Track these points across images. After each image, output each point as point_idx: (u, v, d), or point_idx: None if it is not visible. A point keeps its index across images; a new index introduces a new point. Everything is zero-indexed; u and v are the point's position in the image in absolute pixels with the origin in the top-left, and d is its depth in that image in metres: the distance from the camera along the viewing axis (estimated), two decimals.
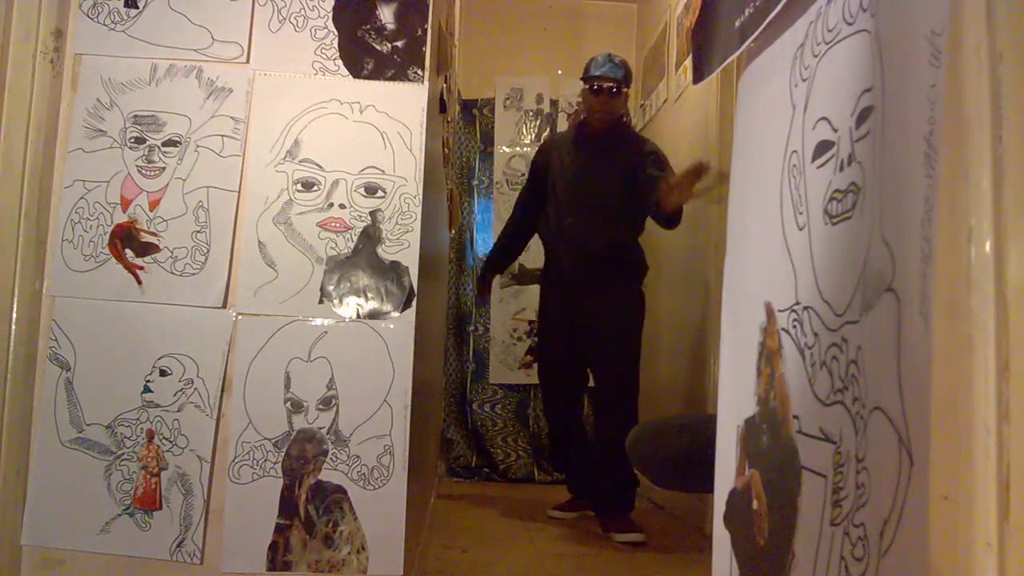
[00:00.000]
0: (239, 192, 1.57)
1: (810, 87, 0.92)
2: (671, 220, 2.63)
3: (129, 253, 1.55)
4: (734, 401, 1.09)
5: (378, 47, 1.61)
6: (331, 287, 1.55)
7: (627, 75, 2.87)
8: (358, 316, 1.55)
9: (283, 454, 1.51)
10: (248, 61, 1.60)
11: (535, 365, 3.32)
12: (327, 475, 1.51)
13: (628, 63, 2.91)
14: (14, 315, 1.49)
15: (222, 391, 1.52)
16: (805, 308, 0.89)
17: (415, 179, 1.58)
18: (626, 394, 2.82)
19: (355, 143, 1.58)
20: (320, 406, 1.52)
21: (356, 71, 1.60)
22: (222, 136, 1.57)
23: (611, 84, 2.81)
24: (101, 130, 1.57)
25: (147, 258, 1.55)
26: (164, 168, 1.57)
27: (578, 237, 2.82)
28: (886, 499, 0.66)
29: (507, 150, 4.08)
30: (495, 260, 3.24)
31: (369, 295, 1.55)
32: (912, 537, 0.63)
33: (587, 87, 2.87)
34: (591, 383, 3.01)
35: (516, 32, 4.17)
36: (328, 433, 1.52)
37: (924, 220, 0.64)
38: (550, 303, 2.99)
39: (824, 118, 0.88)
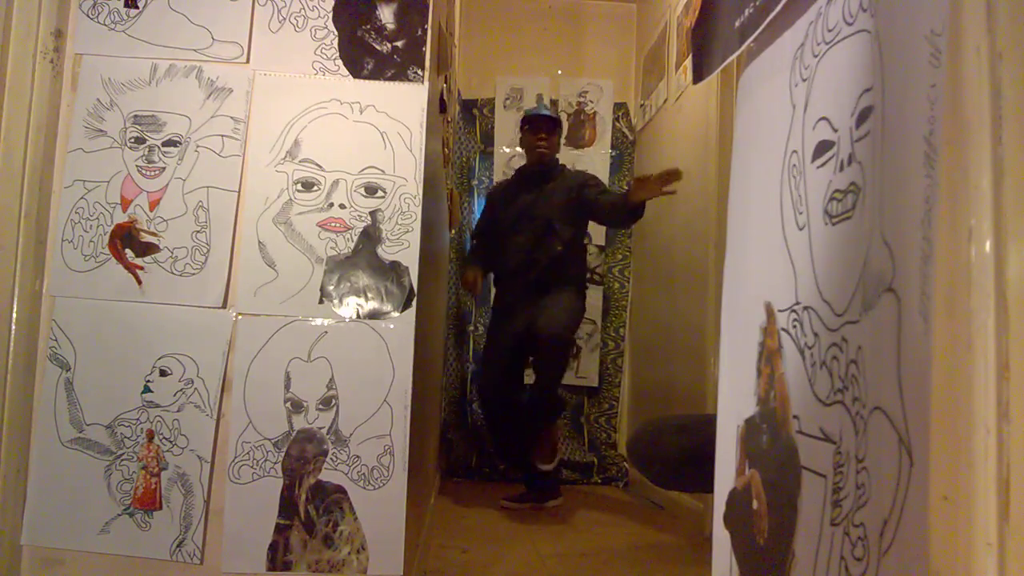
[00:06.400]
0: (239, 192, 1.57)
1: (810, 87, 0.92)
2: (633, 213, 2.94)
3: (129, 253, 1.55)
4: (734, 401, 1.09)
5: (378, 47, 1.61)
6: (331, 287, 1.55)
7: (557, 118, 3.35)
8: (358, 316, 1.55)
9: (283, 454, 1.51)
10: (248, 61, 1.60)
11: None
12: (327, 475, 1.51)
13: (559, 114, 3.56)
14: (14, 315, 1.49)
15: (222, 391, 1.52)
16: (805, 308, 0.89)
17: (415, 179, 1.58)
18: (559, 350, 3.10)
19: (355, 143, 1.58)
20: (320, 406, 1.52)
21: (356, 71, 1.60)
22: (222, 136, 1.57)
23: (546, 121, 3.26)
24: (101, 130, 1.57)
25: (147, 258, 1.55)
26: (164, 168, 1.57)
27: (523, 256, 3.21)
28: (886, 499, 0.66)
29: (507, 150, 4.07)
30: (479, 254, 3.47)
31: (369, 295, 1.55)
32: (912, 537, 0.63)
33: (525, 129, 3.32)
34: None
35: (516, 32, 4.17)
36: (328, 433, 1.52)
37: (924, 220, 0.64)
38: (497, 322, 3.35)
39: (824, 118, 0.88)
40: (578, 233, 3.30)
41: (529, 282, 3.20)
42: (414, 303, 1.56)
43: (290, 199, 1.57)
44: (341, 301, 1.55)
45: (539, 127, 3.26)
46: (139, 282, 1.55)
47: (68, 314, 1.54)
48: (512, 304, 3.25)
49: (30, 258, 1.51)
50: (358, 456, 1.51)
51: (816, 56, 0.91)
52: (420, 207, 1.58)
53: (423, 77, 1.61)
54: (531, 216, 3.21)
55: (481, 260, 3.42)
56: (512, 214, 3.27)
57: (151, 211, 1.56)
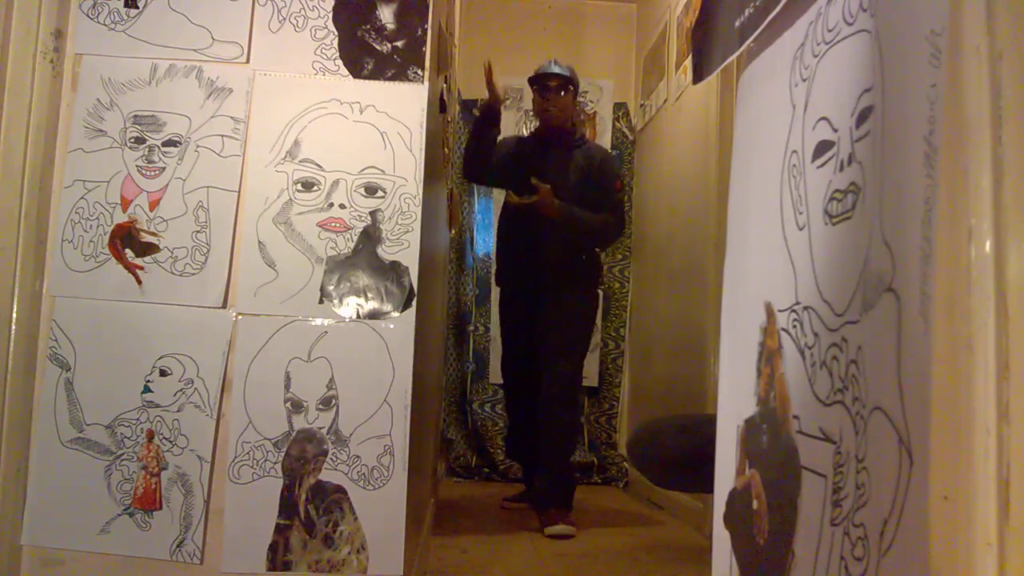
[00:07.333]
0: (239, 192, 1.57)
1: (810, 87, 0.92)
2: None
3: (129, 253, 1.55)
4: (734, 401, 1.09)
5: (378, 47, 1.61)
6: (331, 287, 1.55)
7: (572, 75, 2.95)
8: (358, 316, 1.55)
9: (283, 454, 1.51)
10: (248, 61, 1.60)
11: None
12: (327, 475, 1.51)
13: (574, 68, 3.00)
14: (14, 315, 1.49)
15: (222, 391, 1.52)
16: (805, 308, 0.89)
17: (415, 179, 1.58)
18: (565, 392, 2.86)
19: (355, 143, 1.58)
20: (320, 406, 1.52)
21: (356, 71, 1.60)
22: (222, 136, 1.57)
23: (556, 82, 2.90)
24: (101, 130, 1.57)
25: (147, 258, 1.55)
26: (164, 168, 1.57)
27: (532, 242, 2.88)
28: (886, 499, 0.66)
29: None
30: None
31: (369, 295, 1.55)
32: (912, 537, 0.63)
33: (534, 89, 2.97)
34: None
35: (516, 32, 4.16)
36: (328, 433, 1.52)
37: (924, 220, 0.64)
38: (506, 303, 3.07)
39: (824, 118, 0.88)
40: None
41: (538, 267, 2.84)
42: (414, 303, 1.56)
43: (290, 199, 1.57)
44: (341, 301, 1.55)
45: (546, 87, 2.92)
46: (139, 282, 1.55)
47: (68, 314, 1.54)
48: (518, 303, 2.95)
49: (30, 258, 1.51)
50: (358, 456, 1.51)
51: (816, 56, 0.91)
52: (420, 207, 1.58)
53: (423, 77, 1.61)
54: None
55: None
56: (524, 179, 2.84)
57: (151, 211, 1.56)
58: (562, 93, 2.92)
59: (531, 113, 4.04)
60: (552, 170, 2.85)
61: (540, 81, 2.95)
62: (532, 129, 3.15)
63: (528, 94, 4.07)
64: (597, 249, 3.08)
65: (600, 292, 3.15)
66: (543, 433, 2.84)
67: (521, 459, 3.19)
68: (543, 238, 2.85)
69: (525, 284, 2.93)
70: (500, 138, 3.05)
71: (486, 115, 2.91)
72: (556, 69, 2.93)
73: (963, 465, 0.62)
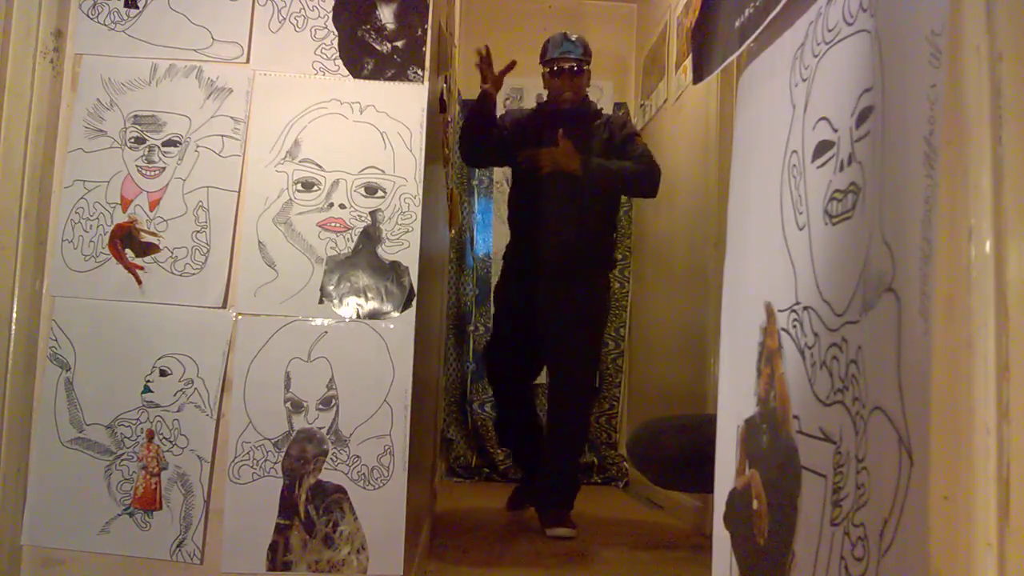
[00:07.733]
0: (239, 192, 1.57)
1: (810, 87, 0.92)
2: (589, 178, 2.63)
3: (129, 253, 1.55)
4: (734, 401, 1.09)
5: (378, 47, 1.61)
6: (331, 287, 1.55)
7: (586, 51, 2.81)
8: (358, 316, 1.55)
9: (283, 454, 1.51)
10: (248, 61, 1.60)
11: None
12: (327, 475, 1.51)
13: (586, 40, 2.84)
14: (14, 315, 1.49)
15: (222, 391, 1.52)
16: (805, 308, 0.89)
17: (415, 179, 1.58)
18: (580, 391, 2.74)
19: (355, 143, 1.58)
20: (320, 406, 1.52)
21: (356, 71, 1.60)
22: (222, 136, 1.57)
23: (572, 64, 2.77)
24: (101, 130, 1.57)
25: (147, 258, 1.55)
26: (164, 168, 1.57)
27: (549, 226, 2.71)
28: (886, 499, 0.66)
29: None
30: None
31: (369, 295, 1.55)
32: (912, 537, 0.63)
33: (547, 70, 2.83)
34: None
35: (516, 32, 4.16)
36: (328, 433, 1.52)
37: (924, 220, 0.64)
38: (511, 285, 2.87)
39: (824, 118, 0.88)
40: (616, 199, 2.83)
41: (552, 249, 2.67)
42: (414, 303, 1.56)
43: (290, 199, 1.57)
44: (341, 301, 1.55)
45: (560, 69, 2.76)
46: (139, 282, 1.55)
47: (68, 314, 1.54)
48: (525, 289, 2.75)
49: (30, 258, 1.51)
50: (358, 456, 1.51)
51: (816, 56, 0.91)
52: (420, 207, 1.58)
53: (423, 77, 1.61)
54: (558, 178, 2.65)
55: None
56: (534, 173, 2.70)
57: (151, 211, 1.56)
58: (575, 70, 2.76)
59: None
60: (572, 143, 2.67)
61: (552, 64, 2.80)
62: (542, 101, 2.97)
63: (528, 93, 4.08)
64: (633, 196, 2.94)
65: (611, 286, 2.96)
66: (550, 433, 2.76)
67: (513, 446, 3.05)
68: (557, 215, 2.68)
69: (528, 283, 2.74)
70: (504, 112, 2.89)
71: (481, 104, 2.72)
72: (568, 49, 2.76)
73: (963, 465, 0.62)
